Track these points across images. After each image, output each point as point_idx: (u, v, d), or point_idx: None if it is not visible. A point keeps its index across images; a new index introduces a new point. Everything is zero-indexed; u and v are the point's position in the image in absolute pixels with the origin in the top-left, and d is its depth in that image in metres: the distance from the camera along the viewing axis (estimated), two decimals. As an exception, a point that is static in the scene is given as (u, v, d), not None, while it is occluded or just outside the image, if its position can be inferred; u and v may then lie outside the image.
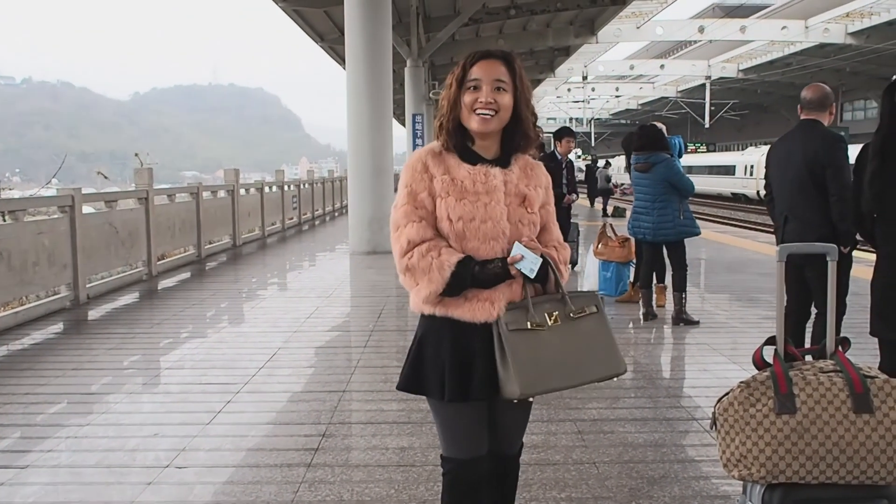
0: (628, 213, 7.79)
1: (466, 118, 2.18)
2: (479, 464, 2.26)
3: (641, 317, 7.03)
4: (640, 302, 7.20)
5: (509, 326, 2.11)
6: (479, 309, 2.15)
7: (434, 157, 2.21)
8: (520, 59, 2.25)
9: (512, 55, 2.23)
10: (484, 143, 2.22)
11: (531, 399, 2.18)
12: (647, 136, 6.98)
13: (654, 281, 7.25)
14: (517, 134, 2.23)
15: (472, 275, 2.12)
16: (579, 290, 2.36)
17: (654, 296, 7.29)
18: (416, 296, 2.19)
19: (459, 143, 2.21)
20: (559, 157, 8.63)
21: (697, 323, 6.79)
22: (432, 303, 2.17)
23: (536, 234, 2.25)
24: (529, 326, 2.12)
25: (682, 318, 6.81)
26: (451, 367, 2.16)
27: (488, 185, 2.16)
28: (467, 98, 2.16)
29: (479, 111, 2.15)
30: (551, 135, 9.14)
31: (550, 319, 2.14)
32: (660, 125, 7.25)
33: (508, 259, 2.13)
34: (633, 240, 7.69)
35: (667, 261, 7.11)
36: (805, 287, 4.67)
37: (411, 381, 2.25)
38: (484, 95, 2.14)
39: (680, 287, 6.85)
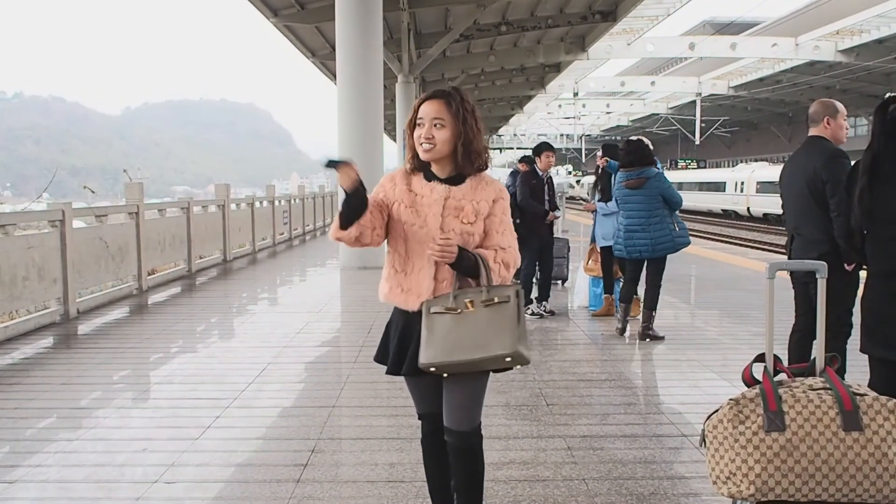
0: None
1: (417, 148, 2.67)
2: (432, 419, 2.84)
3: (617, 332, 7.02)
4: (618, 316, 7.15)
5: (431, 309, 2.58)
6: (410, 300, 2.67)
7: (402, 175, 2.77)
8: (466, 96, 2.69)
9: (453, 94, 2.66)
10: (437, 166, 2.71)
11: (443, 374, 2.62)
12: (634, 151, 6.91)
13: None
14: (460, 158, 2.66)
15: (345, 199, 2.57)
16: (510, 283, 2.71)
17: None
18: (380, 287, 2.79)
19: (422, 165, 2.73)
20: (540, 172, 8.37)
21: (663, 339, 6.82)
22: (384, 292, 2.75)
23: (478, 241, 2.67)
24: (443, 310, 2.56)
25: (647, 334, 6.82)
26: (395, 347, 2.74)
27: (430, 199, 2.66)
28: (416, 133, 2.66)
29: (421, 143, 2.64)
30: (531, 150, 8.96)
31: (467, 306, 2.56)
32: (645, 140, 7.18)
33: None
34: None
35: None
36: (812, 304, 4.68)
37: (380, 355, 2.87)
38: (424, 132, 2.63)
39: (652, 305, 6.83)
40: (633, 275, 7.06)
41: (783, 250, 20.19)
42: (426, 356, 2.54)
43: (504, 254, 2.67)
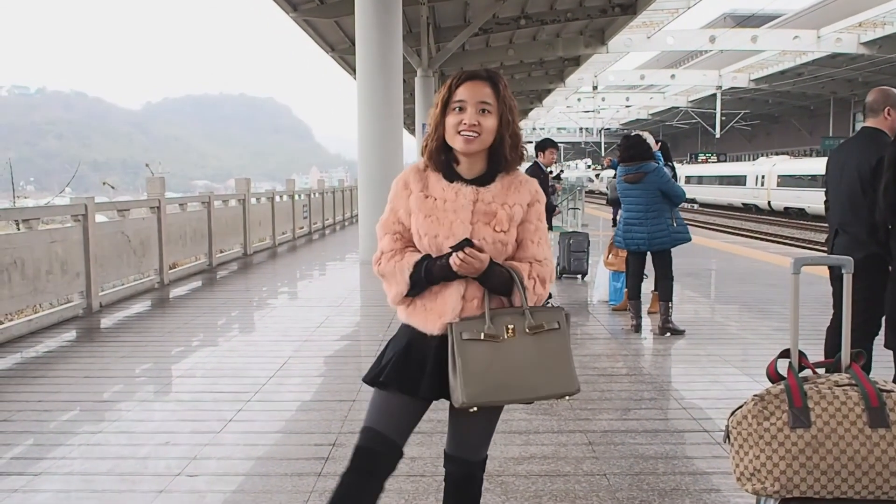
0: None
1: (451, 138, 2.24)
2: (384, 441, 2.29)
3: (632, 328, 7.01)
4: (631, 314, 7.16)
5: (463, 335, 2.16)
6: (429, 320, 2.25)
7: (416, 174, 2.31)
8: (505, 80, 2.29)
9: (498, 76, 2.27)
10: (468, 162, 2.28)
11: (474, 409, 2.17)
12: (633, 146, 6.92)
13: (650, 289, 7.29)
14: (498, 154, 2.28)
15: (426, 270, 2.21)
16: (549, 304, 2.37)
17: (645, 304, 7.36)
18: (389, 297, 2.35)
19: (444, 162, 2.29)
20: (544, 167, 8.48)
21: (683, 332, 6.80)
22: (401, 307, 2.33)
23: (510, 252, 2.28)
24: (482, 337, 2.16)
25: (667, 328, 6.81)
26: (398, 358, 2.28)
27: (456, 204, 2.23)
28: (452, 119, 2.22)
29: (462, 132, 2.21)
30: (561, 145, 9.03)
31: (507, 332, 2.18)
32: (644, 134, 7.17)
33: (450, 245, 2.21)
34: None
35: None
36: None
37: (372, 374, 2.34)
38: (468, 118, 2.20)
39: (666, 297, 6.83)
40: (635, 269, 7.09)
41: (805, 245, 20.03)
42: (468, 394, 2.12)
43: (540, 268, 2.28)
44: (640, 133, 7.17)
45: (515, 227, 2.27)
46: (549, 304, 2.35)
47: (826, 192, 4.69)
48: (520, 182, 2.31)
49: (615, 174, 8.44)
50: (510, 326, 2.18)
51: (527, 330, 2.18)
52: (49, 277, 7.58)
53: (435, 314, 2.24)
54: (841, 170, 4.43)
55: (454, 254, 2.15)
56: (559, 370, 2.20)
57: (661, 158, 7.42)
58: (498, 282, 2.21)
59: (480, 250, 2.17)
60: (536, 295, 2.26)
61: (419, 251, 2.27)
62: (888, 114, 4.29)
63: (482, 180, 2.28)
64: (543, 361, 2.18)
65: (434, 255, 2.23)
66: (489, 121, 2.21)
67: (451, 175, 2.29)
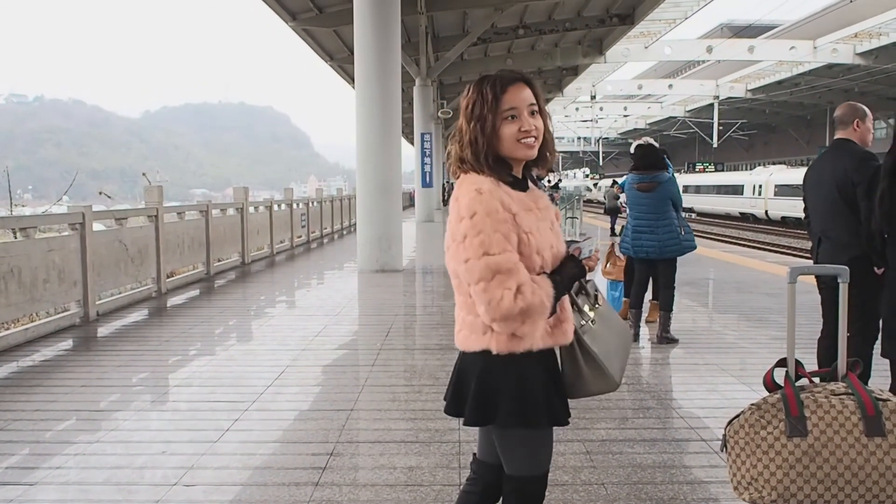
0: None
1: (511, 149, 2.14)
2: (547, 477, 2.29)
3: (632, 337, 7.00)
4: (630, 323, 7.16)
5: (581, 332, 2.22)
6: (567, 330, 2.20)
7: (503, 193, 2.12)
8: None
9: (530, 77, 2.21)
10: (518, 167, 2.22)
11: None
12: (648, 155, 6.95)
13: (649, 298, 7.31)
14: (540, 155, 2.22)
15: (562, 287, 2.14)
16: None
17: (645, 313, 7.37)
18: (527, 331, 2.10)
19: (507, 172, 2.18)
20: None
21: (677, 341, 6.83)
22: (508, 338, 2.12)
23: None
24: (592, 325, 2.26)
25: (665, 338, 6.82)
26: (553, 394, 2.19)
27: (546, 211, 2.22)
28: (508, 129, 2.12)
29: (523, 141, 2.14)
30: (559, 155, 9.09)
31: (591, 312, 2.29)
32: (656, 144, 7.25)
33: (572, 250, 2.21)
34: (623, 258, 7.75)
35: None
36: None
37: (529, 415, 2.16)
38: (526, 124, 2.13)
39: (667, 307, 6.85)
40: (640, 277, 7.10)
41: (802, 254, 20.07)
42: (617, 373, 2.25)
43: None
44: (652, 142, 7.22)
45: None
46: None
47: (805, 207, 4.94)
48: (534, 184, 2.32)
49: (613, 183, 8.47)
50: (587, 307, 2.29)
51: (596, 304, 2.32)
52: (46, 286, 7.57)
53: (564, 323, 2.19)
54: (818, 181, 4.70)
55: (587, 257, 2.19)
56: (623, 327, 2.42)
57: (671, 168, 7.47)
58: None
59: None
60: None
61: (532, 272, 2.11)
62: (857, 125, 4.62)
63: (524, 185, 2.24)
64: (614, 321, 2.37)
65: (549, 269, 2.14)
66: (539, 122, 2.16)
67: (516, 183, 2.19)
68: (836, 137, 4.69)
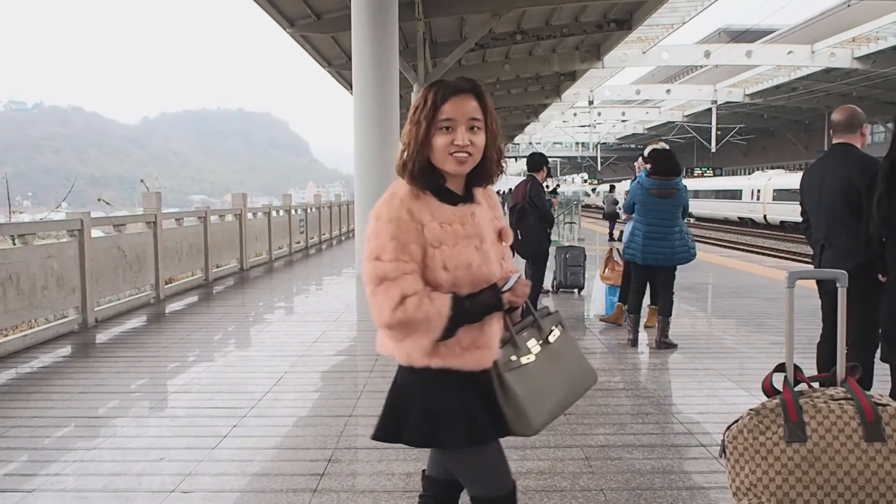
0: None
1: (441, 160, 2.06)
2: (513, 497, 2.18)
3: (629, 343, 7.01)
4: (627, 327, 7.16)
5: (507, 366, 2.09)
6: (477, 357, 2.07)
7: (416, 202, 2.07)
8: (488, 91, 2.13)
9: (481, 87, 2.12)
10: (455, 180, 2.13)
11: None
12: (668, 160, 6.85)
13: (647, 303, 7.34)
14: (480, 171, 2.13)
15: (466, 311, 2.02)
16: (539, 308, 2.32)
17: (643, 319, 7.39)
18: (412, 346, 2.06)
19: (433, 181, 2.10)
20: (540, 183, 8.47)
21: (676, 346, 6.84)
22: (428, 352, 2.06)
23: None
24: (523, 362, 2.11)
25: (663, 343, 6.82)
26: (481, 408, 2.08)
27: (476, 228, 2.09)
28: (441, 140, 2.04)
29: (455, 154, 2.04)
30: (557, 160, 9.07)
31: (534, 349, 2.15)
32: (661, 145, 7.22)
33: (502, 284, 2.10)
34: (621, 263, 7.77)
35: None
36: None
37: (431, 437, 2.12)
38: (460, 138, 2.03)
39: (667, 312, 6.84)
40: (639, 283, 7.08)
41: (800, 258, 20.08)
42: (538, 419, 2.09)
43: (521, 275, 2.23)
44: (666, 146, 7.15)
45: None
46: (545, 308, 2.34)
47: (803, 211, 4.83)
48: (489, 193, 2.26)
49: (611, 188, 8.47)
50: (532, 341, 2.16)
51: (547, 340, 2.19)
52: (45, 293, 7.56)
53: (483, 349, 2.07)
54: (819, 186, 4.58)
55: (506, 292, 2.07)
56: (582, 365, 2.25)
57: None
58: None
59: (519, 276, 2.14)
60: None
61: (438, 290, 2.04)
62: (864, 130, 4.53)
63: (469, 197, 2.16)
64: (569, 363, 2.21)
65: (464, 289, 2.04)
66: (479, 138, 2.07)
67: (445, 195, 2.11)
68: (837, 142, 4.56)
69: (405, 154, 2.10)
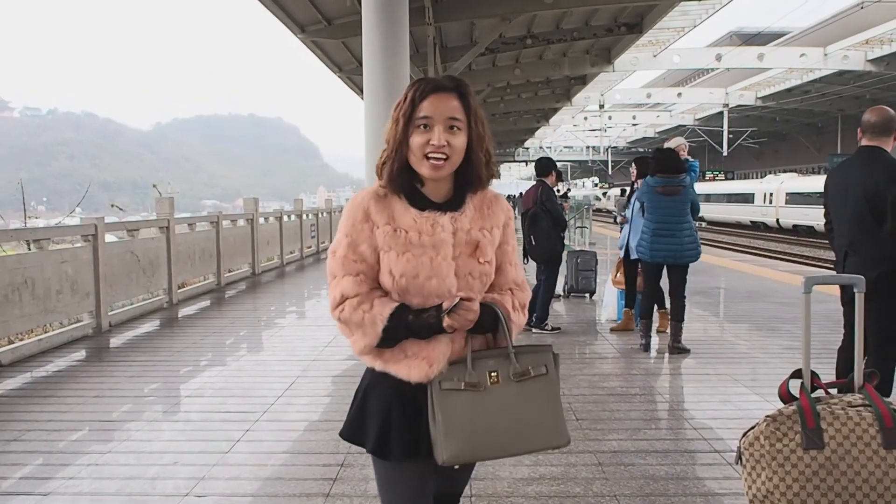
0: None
1: (416, 162, 1.94)
2: None
3: (641, 348, 7.00)
4: (639, 332, 7.16)
5: (442, 385, 1.91)
6: (414, 367, 1.93)
7: (377, 203, 1.96)
8: (473, 89, 2.01)
9: (466, 85, 2.01)
10: (435, 184, 1.99)
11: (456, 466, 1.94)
12: (674, 159, 6.95)
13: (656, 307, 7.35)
14: (469, 175, 2.00)
15: (407, 325, 1.91)
16: (535, 344, 2.15)
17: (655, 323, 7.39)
18: (353, 348, 2.01)
19: (407, 184, 1.98)
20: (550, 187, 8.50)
21: (689, 351, 6.81)
22: (370, 355, 1.99)
23: (491, 280, 2.04)
24: (463, 386, 1.91)
25: (676, 348, 6.81)
26: (397, 424, 1.96)
27: (435, 238, 1.93)
28: (417, 139, 1.92)
29: (430, 155, 1.92)
30: (568, 164, 9.12)
31: (490, 379, 1.92)
32: (680, 140, 7.35)
33: (444, 305, 1.90)
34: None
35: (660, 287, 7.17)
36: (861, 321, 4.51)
37: (356, 431, 2.07)
38: (436, 138, 1.91)
39: (679, 317, 6.82)
40: (650, 287, 7.11)
41: (814, 263, 19.94)
42: (449, 452, 1.87)
43: (521, 294, 2.09)
44: (672, 147, 7.23)
45: (495, 253, 2.04)
46: (540, 330, 2.24)
47: (826, 213, 4.63)
48: (491, 201, 2.06)
49: (622, 192, 8.49)
50: (493, 373, 1.93)
51: (511, 377, 1.93)
52: (59, 297, 7.60)
53: (423, 361, 1.93)
54: (845, 190, 4.38)
55: (447, 315, 1.88)
56: (546, 421, 1.94)
57: (697, 170, 7.50)
58: (485, 322, 1.95)
59: (470, 298, 1.91)
60: (518, 326, 2.05)
61: (389, 299, 1.95)
62: None
63: (453, 204, 2.00)
64: (530, 412, 1.92)
65: (413, 298, 1.93)
66: (459, 139, 1.93)
67: (418, 200, 1.98)
68: (866, 144, 4.34)
69: (384, 154, 2.02)
